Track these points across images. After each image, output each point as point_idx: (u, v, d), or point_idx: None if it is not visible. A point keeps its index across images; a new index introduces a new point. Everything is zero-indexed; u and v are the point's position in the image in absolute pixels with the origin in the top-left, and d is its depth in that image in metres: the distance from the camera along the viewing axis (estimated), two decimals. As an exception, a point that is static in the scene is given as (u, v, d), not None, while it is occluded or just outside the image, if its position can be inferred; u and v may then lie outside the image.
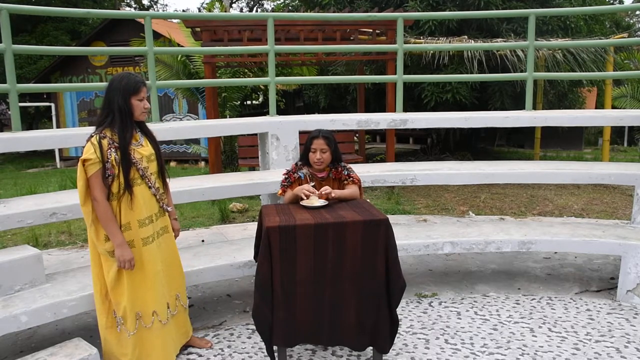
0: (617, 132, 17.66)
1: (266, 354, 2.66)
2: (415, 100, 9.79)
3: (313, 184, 3.01)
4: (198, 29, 8.13)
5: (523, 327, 3.24)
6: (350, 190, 3.02)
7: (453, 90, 9.30)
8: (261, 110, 18.06)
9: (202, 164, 13.50)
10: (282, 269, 2.53)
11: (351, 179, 3.05)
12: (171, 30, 12.17)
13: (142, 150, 2.66)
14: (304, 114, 15.30)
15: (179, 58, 9.77)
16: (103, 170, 2.50)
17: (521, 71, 7.91)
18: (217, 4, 15.89)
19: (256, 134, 4.65)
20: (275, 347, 2.64)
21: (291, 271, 2.54)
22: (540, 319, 3.37)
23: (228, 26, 7.56)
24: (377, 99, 11.54)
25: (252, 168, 8.26)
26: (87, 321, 3.44)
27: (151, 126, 2.88)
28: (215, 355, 2.95)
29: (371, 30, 8.12)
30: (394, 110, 4.97)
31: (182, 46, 10.94)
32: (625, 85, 12.21)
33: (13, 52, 3.66)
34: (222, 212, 6.30)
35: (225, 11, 17.82)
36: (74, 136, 3.67)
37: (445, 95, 9.34)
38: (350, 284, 2.59)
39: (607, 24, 14.28)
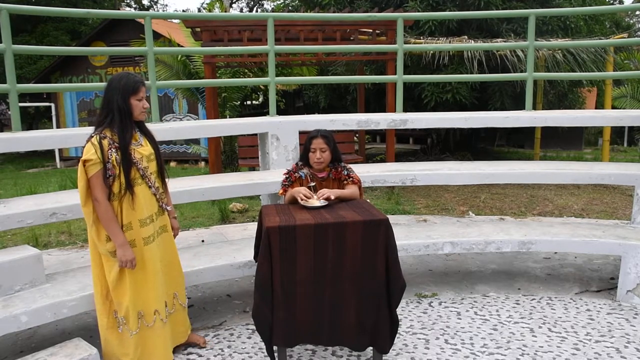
0: (617, 132, 17.65)
1: (266, 354, 2.66)
2: (415, 100, 9.79)
3: (313, 184, 3.01)
4: (198, 29, 8.13)
5: (523, 327, 3.24)
6: (351, 190, 3.02)
7: (453, 91, 9.30)
8: (261, 110, 18.07)
9: (202, 164, 13.50)
10: (282, 269, 2.53)
11: (351, 179, 3.05)
12: (171, 30, 12.17)
13: (142, 150, 2.66)
14: (304, 114, 15.29)
15: (179, 58, 9.77)
16: (104, 170, 2.50)
17: (521, 71, 7.91)
18: (217, 4, 15.88)
19: (256, 134, 4.66)
20: (275, 347, 2.64)
21: (291, 271, 2.54)
22: (540, 319, 3.36)
23: (228, 26, 7.57)
24: (377, 99, 11.54)
25: (252, 168, 8.26)
26: (87, 321, 3.44)
27: (151, 126, 2.88)
28: (215, 356, 2.95)
29: (371, 31, 8.12)
30: (394, 111, 4.97)
31: (182, 46, 10.94)
32: (625, 86, 12.20)
33: (13, 52, 3.66)
34: (222, 212, 6.30)
35: (225, 11, 17.82)
36: (74, 136, 3.67)
37: (445, 95, 9.34)
38: (350, 284, 2.59)
39: (607, 24, 14.27)
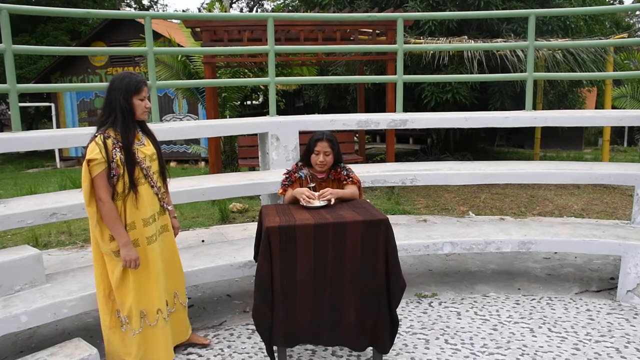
0: (617, 132, 17.64)
1: (266, 354, 2.66)
2: (415, 100, 9.79)
3: (313, 184, 3.01)
4: (198, 29, 8.13)
5: (523, 327, 3.24)
6: (351, 190, 3.02)
7: (453, 91, 9.30)
8: (261, 110, 18.05)
9: (202, 164, 13.49)
10: (282, 269, 2.53)
11: (350, 179, 3.05)
12: (171, 30, 12.15)
13: (144, 150, 2.67)
14: (304, 114, 15.28)
15: (179, 58, 9.77)
16: (108, 170, 2.50)
17: (521, 71, 7.91)
18: (217, 4, 15.89)
19: (256, 134, 4.66)
20: (275, 347, 2.64)
21: (291, 271, 2.54)
22: (540, 319, 3.37)
23: (228, 26, 7.56)
24: (377, 99, 11.53)
25: (252, 168, 8.26)
26: (87, 321, 3.44)
27: (151, 126, 2.88)
28: (215, 356, 2.95)
29: (371, 31, 8.13)
30: (394, 111, 4.97)
31: (182, 46, 10.94)
32: (625, 86, 12.20)
33: (13, 52, 3.66)
34: (222, 212, 6.30)
35: (225, 11, 17.82)
36: (74, 136, 3.67)
37: (445, 95, 9.33)
38: (350, 284, 2.59)
39: (607, 24, 14.27)
